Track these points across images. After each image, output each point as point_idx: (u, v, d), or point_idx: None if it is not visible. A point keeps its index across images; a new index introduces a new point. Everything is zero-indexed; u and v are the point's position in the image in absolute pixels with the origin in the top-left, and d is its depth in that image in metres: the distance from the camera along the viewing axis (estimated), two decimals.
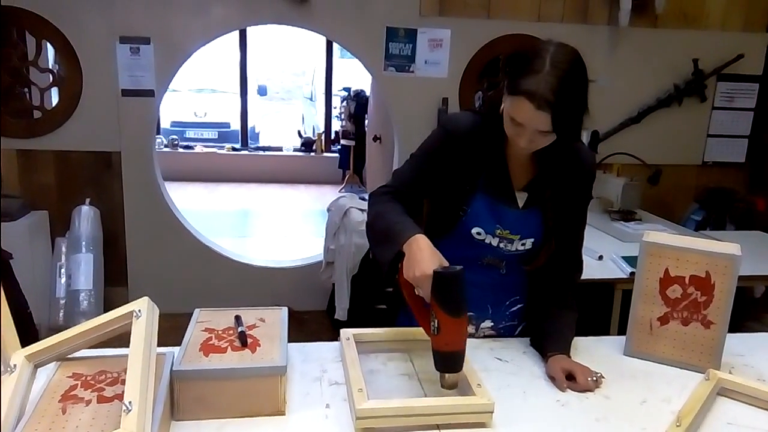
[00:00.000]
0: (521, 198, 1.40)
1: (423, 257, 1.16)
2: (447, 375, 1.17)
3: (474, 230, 1.40)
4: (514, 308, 1.53)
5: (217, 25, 3.56)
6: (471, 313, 1.50)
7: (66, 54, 3.42)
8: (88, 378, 1.10)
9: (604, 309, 2.58)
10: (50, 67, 3.59)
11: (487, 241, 1.40)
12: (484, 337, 1.53)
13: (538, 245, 1.42)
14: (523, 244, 1.41)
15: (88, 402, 1.02)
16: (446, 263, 1.17)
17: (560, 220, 1.41)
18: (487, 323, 1.52)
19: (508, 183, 1.39)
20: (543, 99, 1.16)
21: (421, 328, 1.38)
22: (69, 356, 1.16)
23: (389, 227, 1.27)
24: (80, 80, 3.46)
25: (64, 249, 3.56)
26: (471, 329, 1.52)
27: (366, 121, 7.02)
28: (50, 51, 3.58)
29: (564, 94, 1.17)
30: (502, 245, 1.41)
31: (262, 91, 12.59)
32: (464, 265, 1.45)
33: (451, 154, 1.38)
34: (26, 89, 3.56)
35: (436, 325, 1.13)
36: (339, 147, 8.04)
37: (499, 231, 1.39)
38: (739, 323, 2.37)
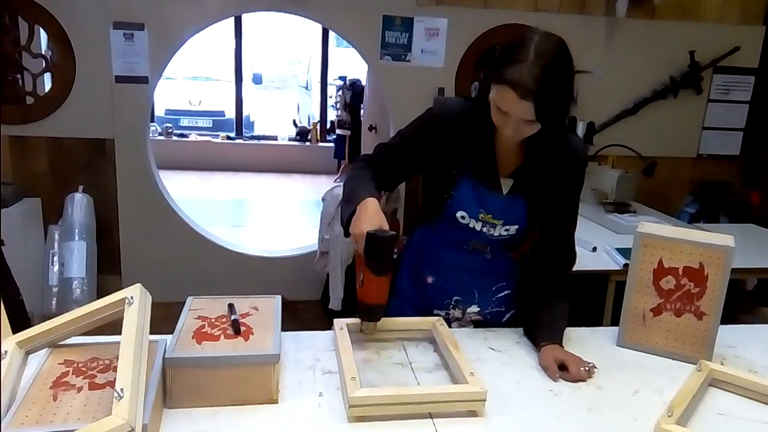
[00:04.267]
0: (506, 184, 1.42)
1: (365, 218, 1.24)
2: (365, 323, 1.33)
3: (458, 213, 1.42)
4: (501, 294, 1.54)
5: (212, 11, 3.52)
6: (458, 297, 1.53)
7: (59, 39, 3.38)
8: (80, 365, 1.09)
9: (597, 300, 2.59)
10: (43, 52, 3.55)
11: (470, 225, 1.43)
12: (471, 321, 1.55)
13: (523, 232, 1.44)
14: (506, 230, 1.43)
15: (80, 389, 1.02)
16: (386, 227, 1.24)
17: (549, 209, 1.42)
18: (474, 308, 1.53)
19: (493, 169, 1.41)
20: (526, 88, 1.18)
21: (413, 319, 1.44)
22: (60, 343, 1.15)
23: (353, 190, 1.35)
24: (73, 66, 3.42)
25: (56, 236, 3.54)
26: (458, 313, 1.54)
27: (362, 111, 6.99)
28: (43, 36, 3.54)
29: (547, 83, 1.18)
30: (485, 229, 1.43)
31: (257, 80, 12.51)
32: (451, 248, 1.49)
33: (435, 136, 1.40)
34: (19, 75, 3.52)
35: (361, 279, 1.27)
36: (334, 137, 8.00)
37: (482, 215, 1.42)
38: (732, 316, 2.38)
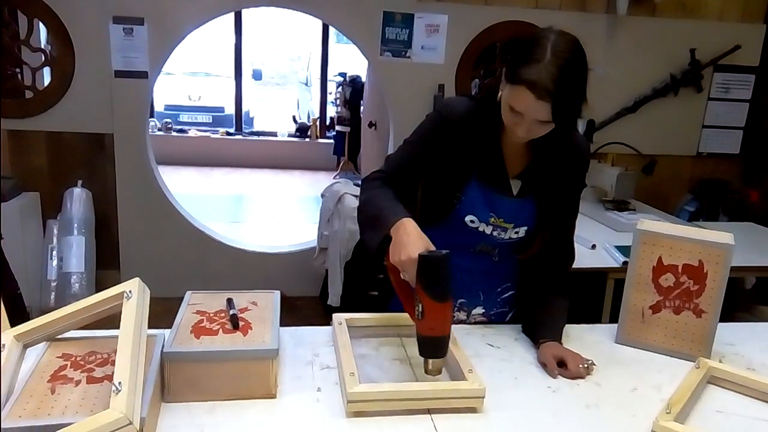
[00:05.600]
0: (515, 186, 1.40)
1: (409, 241, 1.14)
2: (431, 360, 1.15)
3: (468, 218, 1.39)
4: (506, 295, 1.53)
5: (212, 6, 3.51)
6: (463, 300, 1.51)
7: (58, 33, 3.38)
8: (78, 358, 1.09)
9: (596, 297, 2.59)
10: (42, 46, 3.54)
11: (480, 229, 1.40)
12: (476, 323, 1.54)
13: (531, 233, 1.42)
14: (516, 233, 1.41)
15: (78, 382, 1.02)
16: (433, 247, 1.14)
17: (553, 207, 1.40)
18: (479, 310, 1.52)
19: (502, 171, 1.39)
20: (544, 89, 1.15)
21: None
22: (59, 337, 1.15)
23: (378, 212, 1.26)
24: (73, 60, 3.41)
25: (55, 231, 3.53)
26: (463, 315, 1.53)
27: (361, 108, 6.98)
28: (42, 30, 3.53)
29: (565, 83, 1.16)
30: (495, 233, 1.41)
31: (257, 76, 12.49)
32: (457, 252, 1.45)
33: (446, 140, 1.37)
34: (18, 69, 3.51)
35: (420, 310, 1.11)
36: (334, 133, 8.00)
37: (492, 219, 1.39)
38: (730, 314, 2.37)
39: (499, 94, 1.28)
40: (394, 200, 1.30)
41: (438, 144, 1.38)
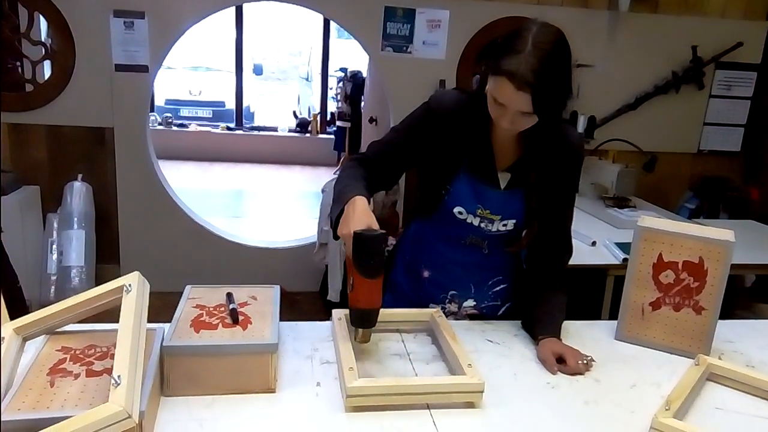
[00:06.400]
0: (504, 179, 1.41)
1: (353, 217, 1.18)
2: (359, 330, 1.23)
3: (456, 209, 1.41)
4: (497, 288, 1.53)
5: (212, 0, 3.50)
6: (454, 292, 1.52)
7: (59, 27, 3.37)
8: (77, 352, 1.09)
9: (595, 294, 2.59)
10: (43, 39, 3.53)
11: (468, 220, 1.42)
12: (467, 315, 1.54)
13: (520, 227, 1.44)
14: (504, 225, 1.42)
15: (77, 375, 1.02)
16: (376, 226, 1.18)
17: (546, 202, 1.41)
18: (470, 302, 1.53)
19: (491, 163, 1.40)
20: (523, 79, 1.16)
21: (411, 310, 1.42)
22: (58, 330, 1.15)
23: (342, 188, 1.30)
24: (73, 54, 3.41)
25: (55, 225, 3.53)
26: (454, 307, 1.53)
27: (362, 103, 6.97)
28: (43, 23, 3.52)
29: (545, 75, 1.16)
30: (483, 225, 1.42)
31: (257, 71, 12.46)
32: (448, 243, 1.48)
33: (432, 131, 1.38)
34: (18, 62, 3.50)
35: (351, 283, 1.19)
36: (334, 128, 7.98)
37: (479, 211, 1.40)
38: (730, 312, 2.37)
39: (486, 87, 1.28)
40: (360, 179, 1.33)
41: (423, 135, 1.39)
